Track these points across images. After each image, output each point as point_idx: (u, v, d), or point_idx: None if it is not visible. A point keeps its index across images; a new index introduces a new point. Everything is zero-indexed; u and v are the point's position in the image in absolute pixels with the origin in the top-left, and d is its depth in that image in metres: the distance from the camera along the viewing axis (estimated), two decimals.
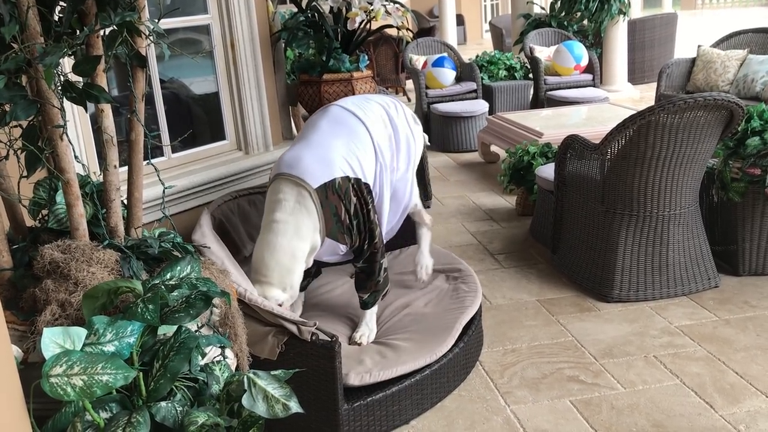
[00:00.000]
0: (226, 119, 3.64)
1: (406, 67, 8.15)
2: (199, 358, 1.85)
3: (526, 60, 8.45)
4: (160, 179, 2.15)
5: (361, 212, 2.78)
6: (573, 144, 3.86)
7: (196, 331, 2.02)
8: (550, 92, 7.93)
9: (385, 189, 2.95)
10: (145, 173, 3.19)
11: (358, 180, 2.80)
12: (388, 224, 3.09)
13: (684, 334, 3.26)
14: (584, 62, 8.02)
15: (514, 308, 3.62)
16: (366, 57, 3.88)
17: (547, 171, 4.38)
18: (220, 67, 3.56)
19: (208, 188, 3.43)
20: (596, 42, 9.39)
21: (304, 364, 2.50)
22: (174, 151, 3.44)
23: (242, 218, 3.38)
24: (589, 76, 8.09)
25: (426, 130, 7.63)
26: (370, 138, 2.93)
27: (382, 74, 10.71)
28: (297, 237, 2.70)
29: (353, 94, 3.78)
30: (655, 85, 7.07)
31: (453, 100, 7.66)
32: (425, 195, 5.34)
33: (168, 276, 1.83)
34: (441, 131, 7.29)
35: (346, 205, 2.75)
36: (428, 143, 5.47)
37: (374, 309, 2.99)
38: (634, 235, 3.57)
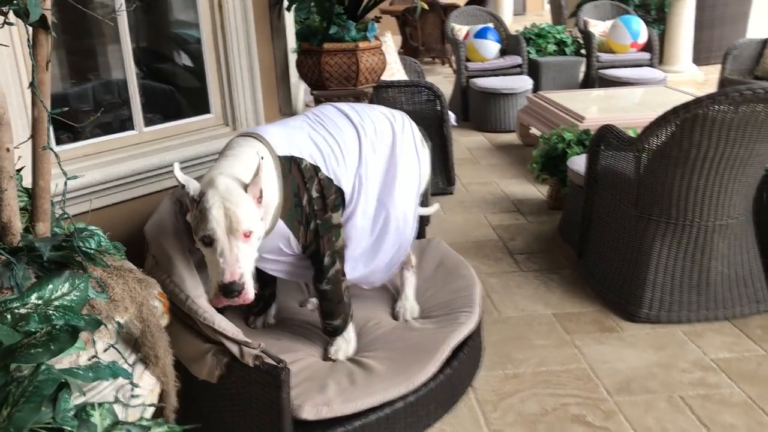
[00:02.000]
0: (212, 90, 3.24)
1: (446, 38, 7.60)
2: (71, 401, 1.47)
3: (578, 34, 7.79)
4: (62, 169, 1.75)
5: (324, 214, 2.34)
6: (607, 135, 3.34)
7: (92, 357, 1.66)
8: (602, 71, 7.29)
9: (361, 209, 2.49)
10: (91, 153, 2.86)
11: (329, 179, 2.36)
12: (375, 260, 2.61)
13: (720, 369, 2.75)
14: (642, 39, 7.34)
15: (525, 322, 3.16)
16: (375, 25, 3.41)
17: (580, 162, 3.86)
18: (206, 30, 3.15)
19: (184, 168, 3.04)
20: (659, 18, 8.64)
21: (248, 391, 2.11)
22: (149, 123, 3.07)
23: None
24: (646, 55, 7.41)
25: (463, 106, 7.14)
26: (358, 144, 2.49)
27: (426, 44, 10.18)
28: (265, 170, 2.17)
29: (357, 66, 3.34)
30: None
31: (495, 75, 7.10)
32: (447, 180, 4.90)
33: (33, 297, 1.45)
34: (479, 108, 6.76)
35: (309, 193, 2.31)
36: (455, 122, 5.00)
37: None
38: (670, 246, 3.05)
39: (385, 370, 2.39)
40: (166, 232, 2.49)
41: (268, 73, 3.41)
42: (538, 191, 4.95)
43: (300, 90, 4.51)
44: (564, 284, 3.52)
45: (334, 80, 3.38)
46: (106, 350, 1.74)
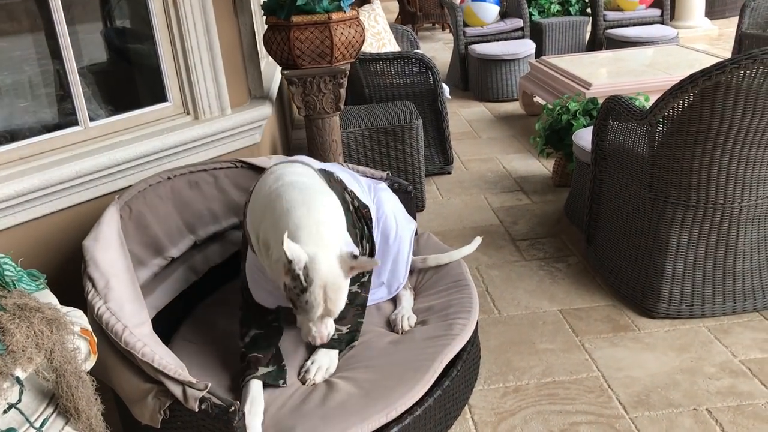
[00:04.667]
0: (167, 75, 2.88)
1: (442, 1, 7.17)
2: None
3: None
4: None
5: (361, 222, 2.22)
6: (615, 108, 2.96)
7: None
8: (609, 30, 6.85)
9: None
10: (29, 154, 2.51)
11: (363, 204, 2.28)
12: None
13: (752, 374, 2.41)
14: None
15: (529, 322, 2.83)
16: None
17: (586, 137, 3.49)
18: (156, 7, 2.79)
19: (137, 165, 2.70)
20: None
21: None
22: (95, 118, 2.72)
23: (178, 205, 2.64)
24: (656, 11, 6.96)
25: (462, 74, 6.74)
26: (364, 187, 2.48)
27: (424, 9, 9.73)
28: (330, 199, 2.00)
29: (331, 41, 2.97)
30: (737, 20, 5.93)
31: (496, 40, 6.69)
32: (444, 159, 4.53)
33: None
34: (478, 76, 6.36)
35: (350, 201, 2.17)
36: (449, 96, 4.62)
37: None
38: (690, 231, 2.70)
39: (363, 396, 2.05)
40: (107, 247, 2.15)
41: (233, 52, 3.05)
42: (543, 167, 4.58)
43: (275, 70, 4.14)
44: (571, 275, 3.17)
45: (306, 57, 3.01)
46: (6, 412, 1.43)
